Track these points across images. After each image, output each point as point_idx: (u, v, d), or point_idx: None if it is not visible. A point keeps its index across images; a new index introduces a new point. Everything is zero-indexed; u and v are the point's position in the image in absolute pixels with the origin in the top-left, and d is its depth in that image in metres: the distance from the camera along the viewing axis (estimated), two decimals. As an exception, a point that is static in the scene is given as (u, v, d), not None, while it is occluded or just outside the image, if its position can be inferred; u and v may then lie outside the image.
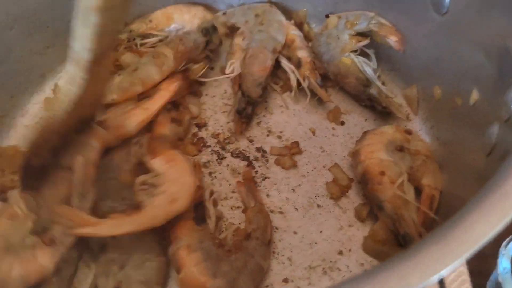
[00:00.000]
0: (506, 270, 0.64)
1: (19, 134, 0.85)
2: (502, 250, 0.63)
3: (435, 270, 0.37)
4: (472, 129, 0.68)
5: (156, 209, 0.66)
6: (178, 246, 0.66)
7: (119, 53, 0.93)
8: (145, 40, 0.96)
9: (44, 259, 0.61)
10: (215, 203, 0.76)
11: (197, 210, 0.72)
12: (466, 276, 0.73)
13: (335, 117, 0.87)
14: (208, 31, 0.91)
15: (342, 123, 0.86)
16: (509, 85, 0.58)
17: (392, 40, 0.86)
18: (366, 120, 0.86)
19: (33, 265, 0.60)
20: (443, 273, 0.37)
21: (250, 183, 0.78)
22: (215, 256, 0.66)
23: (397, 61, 0.88)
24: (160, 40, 0.96)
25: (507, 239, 0.64)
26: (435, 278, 0.37)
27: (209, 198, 0.75)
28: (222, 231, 0.73)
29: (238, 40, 0.96)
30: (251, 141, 0.84)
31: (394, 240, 0.67)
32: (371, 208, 0.72)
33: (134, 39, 0.96)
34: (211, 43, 0.92)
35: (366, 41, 0.89)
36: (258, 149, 0.83)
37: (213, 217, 0.73)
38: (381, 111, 0.85)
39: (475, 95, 0.68)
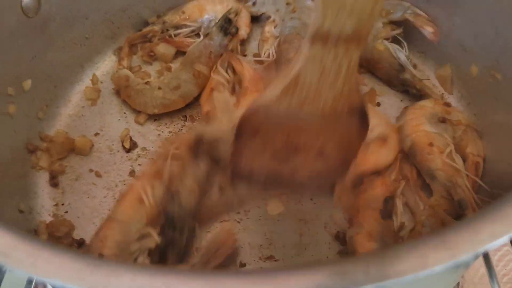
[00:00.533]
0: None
1: (64, 123, 0.86)
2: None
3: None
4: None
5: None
6: (358, 231, 0.68)
7: (153, 44, 0.96)
8: (179, 31, 0.98)
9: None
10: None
11: (386, 204, 0.72)
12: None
13: (371, 98, 0.89)
14: (225, 26, 0.94)
15: (378, 105, 0.89)
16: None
17: (428, 31, 0.88)
18: (401, 100, 0.89)
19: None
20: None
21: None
22: None
23: (429, 42, 0.91)
24: (193, 31, 0.98)
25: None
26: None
27: (400, 195, 0.74)
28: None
29: (269, 28, 0.98)
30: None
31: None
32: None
33: (167, 30, 0.98)
34: (231, 36, 0.95)
35: (399, 30, 0.91)
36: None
37: (400, 216, 0.72)
38: (415, 94, 0.87)
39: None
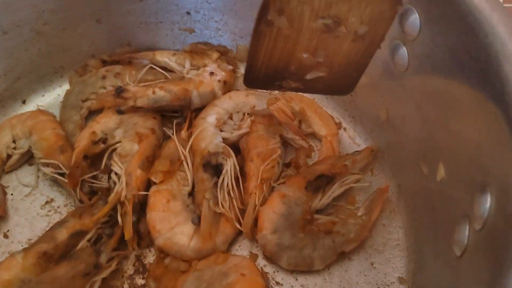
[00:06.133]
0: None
1: None
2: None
3: None
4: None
5: None
6: (279, 190, 0.73)
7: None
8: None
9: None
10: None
11: (316, 180, 0.75)
12: None
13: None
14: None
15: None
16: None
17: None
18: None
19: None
20: None
21: (380, 197, 0.77)
22: (293, 221, 0.71)
23: (362, 112, 0.88)
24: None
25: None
26: None
27: (342, 183, 0.76)
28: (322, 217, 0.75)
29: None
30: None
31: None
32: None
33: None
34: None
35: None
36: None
37: (325, 199, 0.75)
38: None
39: (442, 171, 0.65)
